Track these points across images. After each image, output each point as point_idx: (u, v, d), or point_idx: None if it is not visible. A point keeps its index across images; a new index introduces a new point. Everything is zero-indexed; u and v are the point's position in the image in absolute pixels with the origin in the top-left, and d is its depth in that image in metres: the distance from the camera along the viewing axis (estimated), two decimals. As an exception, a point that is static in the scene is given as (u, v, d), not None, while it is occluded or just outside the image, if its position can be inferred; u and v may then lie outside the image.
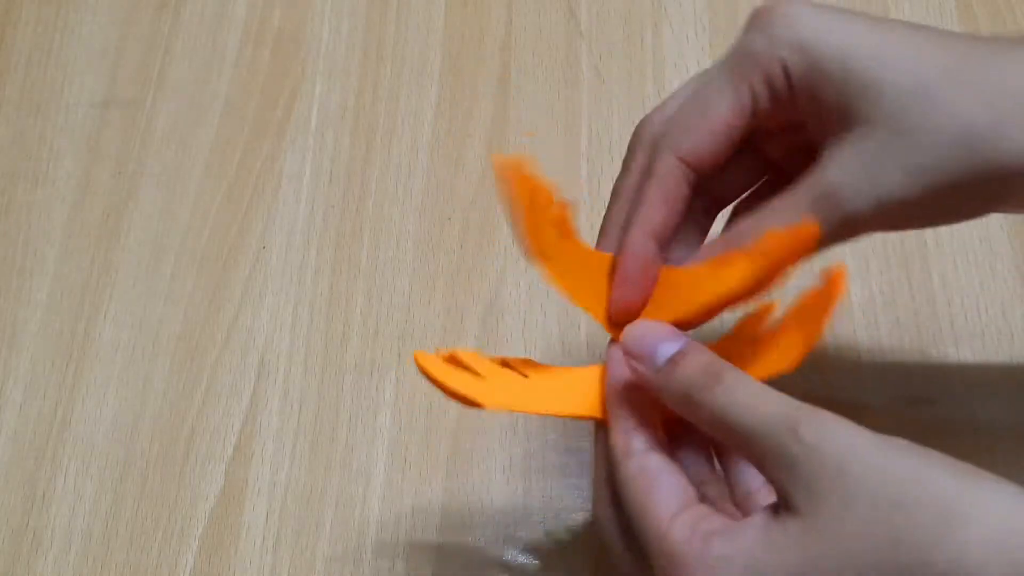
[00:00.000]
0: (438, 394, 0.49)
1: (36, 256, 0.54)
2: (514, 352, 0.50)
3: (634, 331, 0.35)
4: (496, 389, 0.37)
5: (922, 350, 0.49)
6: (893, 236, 0.52)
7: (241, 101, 0.58)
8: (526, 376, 0.38)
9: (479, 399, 0.37)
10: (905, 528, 0.27)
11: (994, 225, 0.52)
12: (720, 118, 0.34)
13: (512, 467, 0.48)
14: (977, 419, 0.47)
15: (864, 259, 0.51)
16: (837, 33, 0.33)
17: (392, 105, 0.57)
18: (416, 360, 0.37)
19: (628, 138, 0.55)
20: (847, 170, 0.33)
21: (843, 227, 0.34)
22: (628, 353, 0.34)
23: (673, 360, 0.33)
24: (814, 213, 0.33)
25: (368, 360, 0.50)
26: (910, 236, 0.52)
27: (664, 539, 0.31)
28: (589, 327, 0.51)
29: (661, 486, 0.32)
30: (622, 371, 0.35)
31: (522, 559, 0.46)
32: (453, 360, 0.37)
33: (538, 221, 0.36)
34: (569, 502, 0.47)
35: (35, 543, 0.47)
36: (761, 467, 0.30)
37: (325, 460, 0.48)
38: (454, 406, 0.49)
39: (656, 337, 0.34)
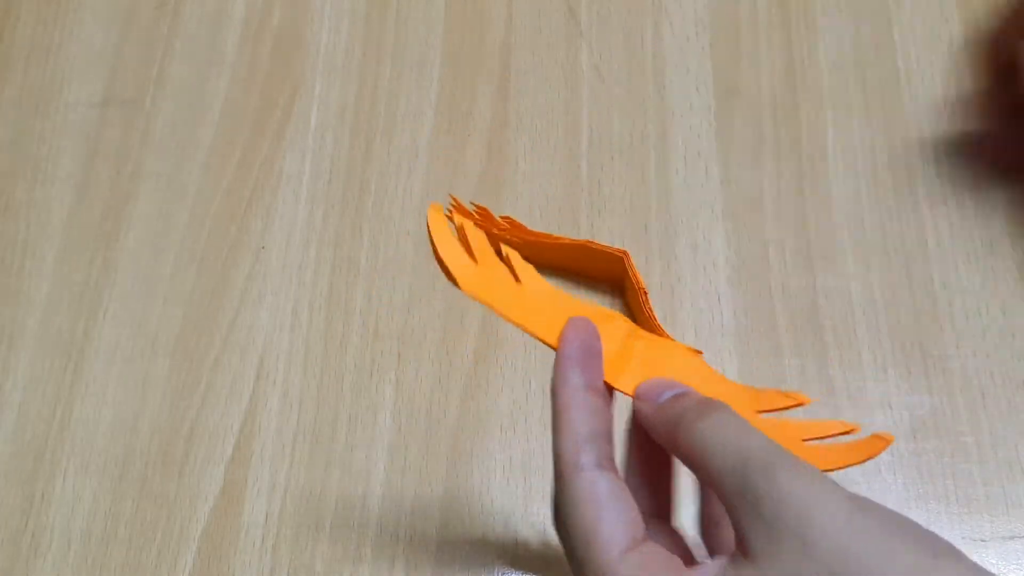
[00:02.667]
0: (437, 394, 0.50)
1: (35, 256, 0.54)
2: (514, 353, 0.50)
3: (648, 382, 0.34)
4: (481, 278, 0.37)
5: (922, 350, 0.49)
6: (893, 236, 0.52)
7: (240, 101, 0.58)
8: (518, 281, 0.37)
9: (459, 280, 0.36)
10: None
11: (995, 225, 0.52)
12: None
13: (512, 467, 0.47)
14: (977, 418, 0.47)
15: (865, 259, 0.51)
16: None
17: (392, 105, 0.57)
18: (428, 214, 0.37)
19: (628, 138, 0.55)
20: None
21: None
22: (636, 396, 0.34)
23: (675, 397, 0.33)
24: None
25: (368, 360, 0.50)
26: (910, 236, 0.52)
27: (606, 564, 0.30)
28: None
29: (610, 515, 0.31)
30: (579, 345, 0.34)
31: (522, 559, 0.46)
32: (461, 231, 0.37)
33: (452, 252, 0.37)
34: (569, 502, 0.47)
35: (34, 543, 0.47)
36: (728, 505, 0.29)
37: (325, 460, 0.48)
38: (454, 406, 0.49)
39: (665, 385, 0.34)
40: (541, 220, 0.53)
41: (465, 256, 0.37)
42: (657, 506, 0.35)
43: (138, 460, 0.49)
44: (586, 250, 0.50)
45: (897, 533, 0.27)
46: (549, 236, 0.50)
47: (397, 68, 0.58)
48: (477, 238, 0.38)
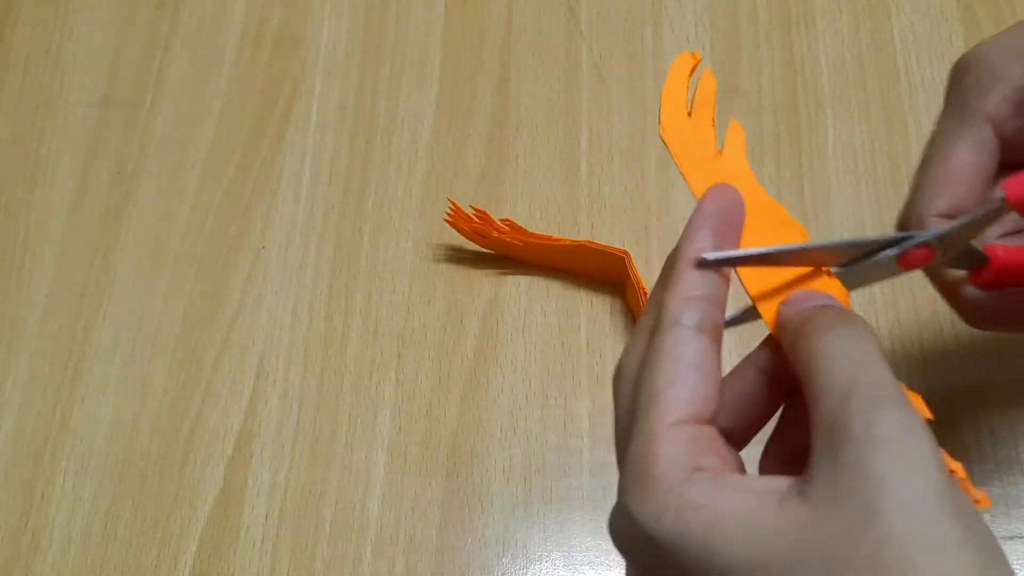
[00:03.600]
0: (437, 394, 0.50)
1: (35, 256, 0.54)
2: (514, 353, 0.50)
3: (802, 292, 0.31)
4: (684, 132, 0.35)
5: (922, 350, 0.49)
6: (893, 236, 0.52)
7: (240, 101, 0.58)
8: (718, 153, 0.35)
9: (663, 124, 0.36)
10: None
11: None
12: (962, 160, 0.35)
13: (512, 467, 0.47)
14: (978, 419, 0.47)
15: (864, 259, 0.51)
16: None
17: (392, 105, 0.57)
18: (677, 59, 0.36)
19: (628, 138, 0.55)
20: None
21: None
22: (784, 302, 0.31)
23: (819, 306, 0.30)
24: None
25: (368, 360, 0.50)
26: (910, 236, 0.52)
27: (650, 442, 0.27)
28: (589, 327, 0.51)
29: (686, 382, 0.28)
30: (718, 211, 0.31)
31: (522, 559, 0.46)
32: (697, 87, 0.36)
33: (675, 99, 0.35)
34: (569, 502, 0.47)
35: (34, 543, 0.47)
36: (816, 431, 0.26)
37: (325, 460, 0.48)
38: (454, 406, 0.49)
39: (817, 296, 0.31)
40: (541, 220, 0.53)
41: (683, 107, 0.35)
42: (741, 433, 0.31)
43: (138, 460, 0.49)
44: (587, 250, 0.50)
45: (964, 555, 0.23)
46: (549, 238, 0.50)
47: (397, 68, 0.58)
48: (706, 99, 0.35)
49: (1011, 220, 0.36)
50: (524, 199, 0.54)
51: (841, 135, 0.54)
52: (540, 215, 0.54)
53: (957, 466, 0.28)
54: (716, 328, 0.29)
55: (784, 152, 0.54)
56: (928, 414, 0.28)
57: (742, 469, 0.30)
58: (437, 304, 0.52)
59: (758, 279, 0.31)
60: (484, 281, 0.52)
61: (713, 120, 0.35)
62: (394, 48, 0.59)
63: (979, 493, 0.27)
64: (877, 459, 0.24)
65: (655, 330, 0.29)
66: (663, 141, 0.34)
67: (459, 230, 0.51)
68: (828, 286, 0.31)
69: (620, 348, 0.50)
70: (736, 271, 0.31)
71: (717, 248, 0.30)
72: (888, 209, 0.52)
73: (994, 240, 0.36)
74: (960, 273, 0.35)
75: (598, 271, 0.51)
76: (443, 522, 0.47)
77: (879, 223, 0.52)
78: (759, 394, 0.30)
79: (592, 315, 0.51)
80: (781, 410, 0.32)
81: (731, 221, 0.32)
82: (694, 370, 0.28)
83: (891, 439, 0.24)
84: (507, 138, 0.56)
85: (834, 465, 0.25)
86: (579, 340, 0.50)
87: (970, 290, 0.35)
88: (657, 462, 0.27)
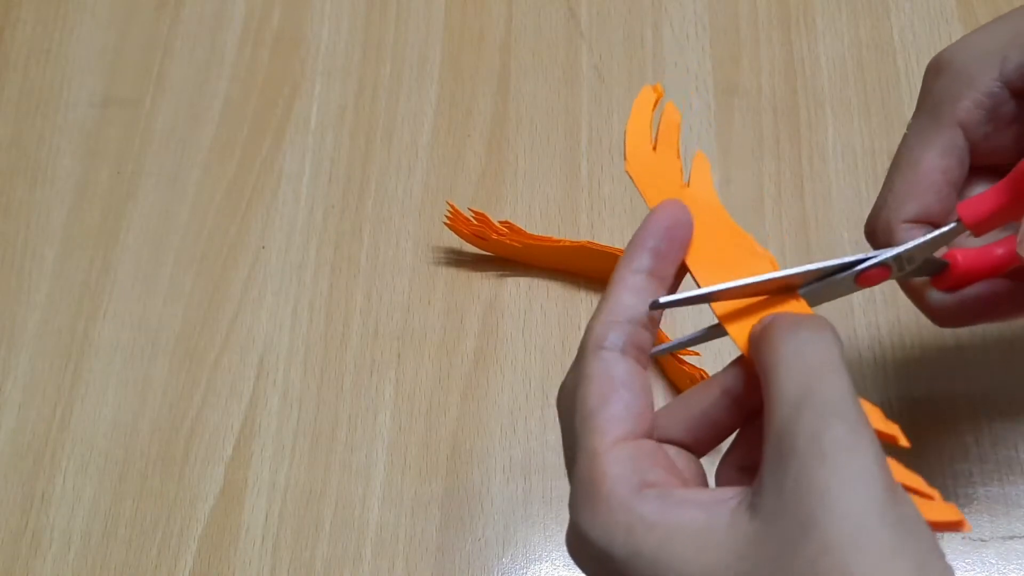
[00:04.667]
0: (437, 394, 0.50)
1: (35, 256, 0.54)
2: (514, 353, 0.50)
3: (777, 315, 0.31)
4: (650, 165, 0.35)
5: (922, 349, 0.49)
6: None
7: (240, 101, 0.58)
8: (686, 185, 0.34)
9: (628, 158, 0.35)
10: None
11: (994, 225, 0.52)
12: (930, 165, 0.35)
13: (512, 467, 0.47)
14: (978, 418, 0.47)
15: (864, 259, 0.51)
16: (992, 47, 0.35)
17: (392, 105, 0.57)
18: (641, 91, 0.36)
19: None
20: None
21: None
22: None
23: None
24: None
25: (368, 360, 0.50)
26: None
27: (595, 461, 0.27)
28: (589, 327, 0.51)
29: (618, 401, 0.28)
30: (662, 228, 0.31)
31: (522, 559, 0.46)
32: (662, 117, 0.36)
33: (639, 133, 0.35)
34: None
35: (34, 544, 0.47)
36: (767, 438, 0.26)
37: (325, 460, 0.48)
38: (454, 406, 0.49)
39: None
40: (541, 220, 0.53)
41: (648, 141, 0.35)
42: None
43: (138, 460, 0.49)
44: (586, 251, 0.50)
45: (907, 554, 0.24)
46: (549, 239, 0.50)
47: (397, 68, 0.58)
48: (668, 127, 0.35)
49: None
50: (524, 199, 0.54)
51: (841, 135, 0.54)
52: (540, 215, 0.54)
53: (916, 481, 0.28)
54: (641, 350, 0.30)
55: (784, 152, 0.54)
56: (888, 428, 0.28)
57: (697, 476, 0.31)
58: (437, 304, 0.52)
59: (726, 305, 0.32)
60: (484, 281, 0.52)
61: (678, 152, 0.35)
62: (394, 48, 0.59)
63: (952, 513, 0.27)
64: (819, 472, 0.24)
65: (579, 354, 0.30)
66: (628, 175, 0.34)
67: (458, 233, 0.51)
68: (796, 308, 0.32)
69: (620, 348, 0.50)
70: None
71: (655, 268, 0.31)
72: (888, 209, 0.52)
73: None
74: (923, 279, 0.36)
75: (598, 271, 0.51)
76: (443, 522, 0.47)
77: (879, 223, 0.52)
78: (721, 414, 0.31)
79: (592, 314, 0.51)
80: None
81: (675, 237, 0.31)
82: (623, 389, 0.29)
83: (835, 453, 0.25)
84: (507, 138, 0.56)
85: (780, 478, 0.25)
86: (579, 340, 0.50)
87: (934, 294, 0.36)
88: (604, 481, 0.27)
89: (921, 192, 0.36)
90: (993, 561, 0.44)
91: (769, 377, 0.27)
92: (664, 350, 0.34)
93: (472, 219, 0.51)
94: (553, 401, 0.48)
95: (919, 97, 0.37)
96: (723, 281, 0.31)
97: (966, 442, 0.47)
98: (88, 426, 0.50)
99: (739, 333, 0.31)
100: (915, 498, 0.26)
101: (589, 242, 0.50)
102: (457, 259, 0.53)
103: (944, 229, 0.34)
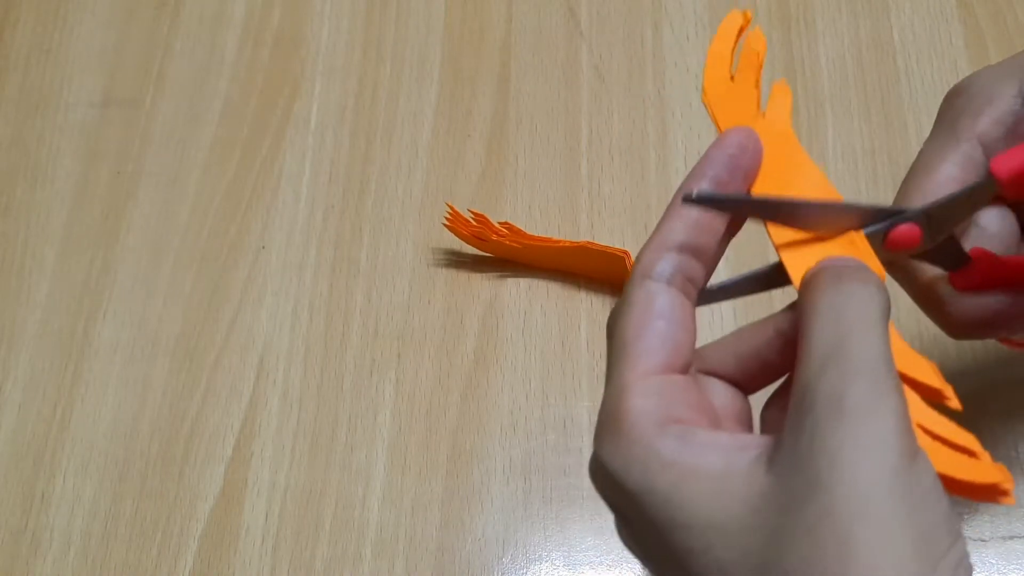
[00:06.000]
0: (437, 394, 0.50)
1: (36, 256, 0.54)
2: (514, 353, 0.50)
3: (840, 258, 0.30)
4: (726, 95, 0.33)
5: (922, 349, 0.49)
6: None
7: (240, 101, 0.58)
8: (761, 114, 0.33)
9: (705, 86, 0.33)
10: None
11: (994, 225, 0.52)
12: (945, 174, 0.34)
13: (512, 467, 0.47)
14: (978, 418, 0.47)
15: (864, 259, 0.51)
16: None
17: (392, 105, 0.57)
18: (726, 18, 0.34)
19: (628, 138, 0.55)
20: None
21: None
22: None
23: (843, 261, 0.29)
24: None
25: (368, 360, 0.50)
26: (910, 236, 0.52)
27: (622, 393, 0.27)
28: (589, 327, 0.51)
29: (654, 332, 0.28)
30: (727, 155, 0.29)
31: (522, 559, 0.46)
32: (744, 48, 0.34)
33: (719, 61, 0.33)
34: (569, 502, 0.47)
35: (34, 544, 0.47)
36: (793, 390, 0.26)
37: (325, 460, 0.48)
38: (454, 406, 0.49)
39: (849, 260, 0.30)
40: (541, 220, 0.53)
41: (727, 69, 0.33)
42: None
43: (138, 460, 0.49)
44: (586, 251, 0.50)
45: (904, 529, 0.23)
46: (548, 239, 0.50)
47: (397, 68, 0.58)
48: (751, 61, 0.33)
49: (994, 244, 0.35)
50: (524, 199, 0.54)
51: (841, 135, 0.54)
52: (540, 215, 0.54)
53: (966, 438, 0.27)
54: (691, 281, 0.29)
55: (784, 152, 0.54)
56: (939, 384, 0.28)
57: (740, 414, 0.30)
58: (437, 304, 0.52)
59: (785, 234, 0.30)
60: (484, 281, 0.52)
61: (758, 82, 0.33)
62: (394, 48, 0.59)
63: (994, 474, 0.27)
64: (834, 433, 0.24)
65: (629, 282, 0.29)
66: (705, 104, 0.33)
67: (458, 234, 0.51)
68: (857, 252, 0.30)
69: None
70: (766, 225, 0.30)
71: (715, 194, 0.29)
72: (888, 209, 0.52)
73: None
74: (938, 271, 0.35)
75: (598, 271, 0.51)
76: (443, 522, 0.47)
77: (879, 223, 0.52)
78: (773, 355, 0.30)
79: (592, 315, 0.51)
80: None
81: (739, 166, 0.30)
82: (662, 320, 0.28)
83: (853, 414, 0.24)
84: (507, 138, 0.56)
85: (797, 434, 0.25)
86: (579, 340, 0.50)
87: (953, 298, 0.35)
88: (628, 414, 0.27)
89: (936, 198, 0.34)
90: (993, 561, 0.44)
91: (804, 327, 0.27)
92: (719, 288, 0.32)
93: (471, 220, 0.51)
94: (553, 401, 0.49)
95: (935, 122, 0.36)
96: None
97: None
98: (88, 426, 0.50)
99: (796, 271, 0.30)
100: (959, 456, 0.26)
101: (589, 242, 0.50)
102: (457, 259, 0.53)
103: (974, 184, 0.32)
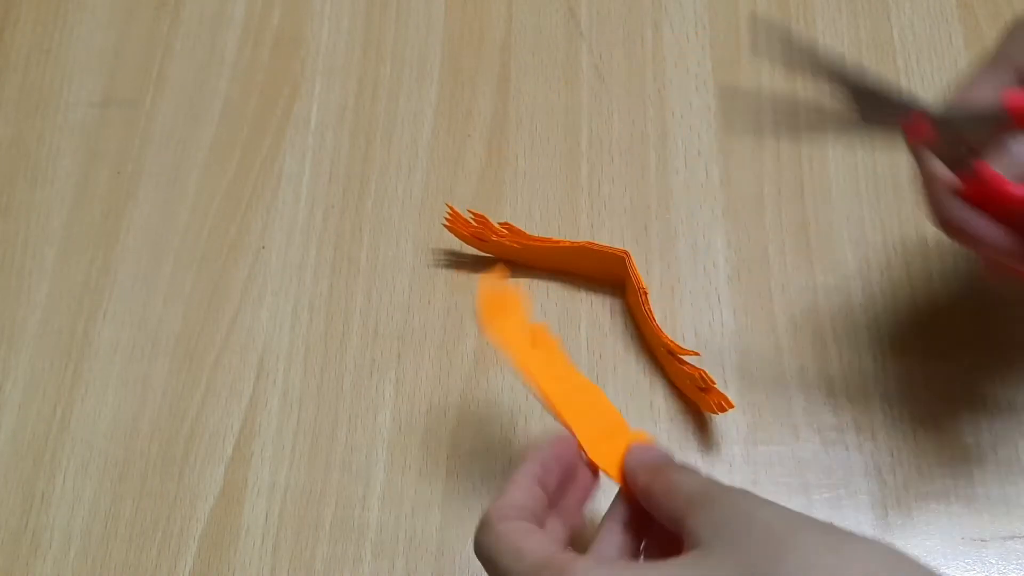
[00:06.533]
0: (437, 394, 0.50)
1: (36, 256, 0.54)
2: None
3: (637, 448, 0.39)
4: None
5: (923, 351, 0.49)
6: (894, 235, 0.52)
7: (240, 101, 0.58)
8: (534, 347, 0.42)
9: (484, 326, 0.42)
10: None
11: (994, 225, 0.52)
12: (981, 93, 0.38)
13: (512, 467, 0.47)
14: (978, 418, 0.47)
15: (865, 258, 0.51)
16: None
17: (392, 105, 0.57)
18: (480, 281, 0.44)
19: (628, 138, 0.55)
20: None
21: None
22: (631, 452, 0.39)
23: (660, 455, 0.39)
24: None
25: (368, 360, 0.50)
26: (911, 235, 0.52)
27: (545, 567, 0.33)
28: (589, 327, 0.51)
29: (530, 540, 0.35)
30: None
31: (522, 559, 0.46)
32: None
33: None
34: (569, 502, 0.47)
35: (34, 543, 0.47)
36: (678, 518, 0.34)
37: (325, 460, 0.48)
38: (454, 406, 0.49)
39: (648, 448, 0.39)
40: (541, 220, 0.53)
41: (499, 310, 0.42)
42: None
43: (138, 460, 0.49)
44: (586, 251, 0.50)
45: (820, 526, 0.32)
46: (548, 240, 0.50)
47: (397, 68, 0.58)
48: (514, 298, 0.43)
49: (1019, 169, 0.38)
50: (524, 199, 0.54)
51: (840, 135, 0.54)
52: (540, 215, 0.54)
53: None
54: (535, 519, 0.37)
55: (784, 152, 0.54)
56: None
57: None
58: (437, 304, 0.52)
59: (596, 447, 0.39)
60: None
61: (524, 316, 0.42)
62: (394, 48, 0.59)
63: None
64: (741, 507, 0.33)
65: (480, 529, 0.36)
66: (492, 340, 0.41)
67: (458, 235, 0.51)
68: (633, 435, 0.40)
69: (620, 348, 0.50)
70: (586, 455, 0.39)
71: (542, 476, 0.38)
72: (888, 209, 0.52)
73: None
74: (948, 174, 0.38)
75: (598, 271, 0.51)
76: (443, 522, 0.47)
77: (879, 223, 0.52)
78: (624, 539, 0.37)
79: (592, 315, 0.51)
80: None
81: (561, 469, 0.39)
82: (537, 533, 0.36)
83: (747, 497, 0.34)
84: (507, 138, 0.56)
85: (705, 520, 0.33)
86: (579, 340, 0.50)
87: (943, 190, 0.38)
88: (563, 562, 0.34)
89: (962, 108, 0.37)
90: (993, 561, 0.44)
91: (671, 493, 0.35)
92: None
93: (471, 221, 0.51)
94: (553, 401, 0.49)
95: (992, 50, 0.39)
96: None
97: (966, 442, 0.47)
98: (88, 426, 0.50)
99: (612, 468, 0.39)
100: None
101: (589, 242, 0.50)
102: (457, 259, 0.53)
103: (989, 106, 0.36)
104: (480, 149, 0.56)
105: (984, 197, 0.37)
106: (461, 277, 0.52)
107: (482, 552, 0.36)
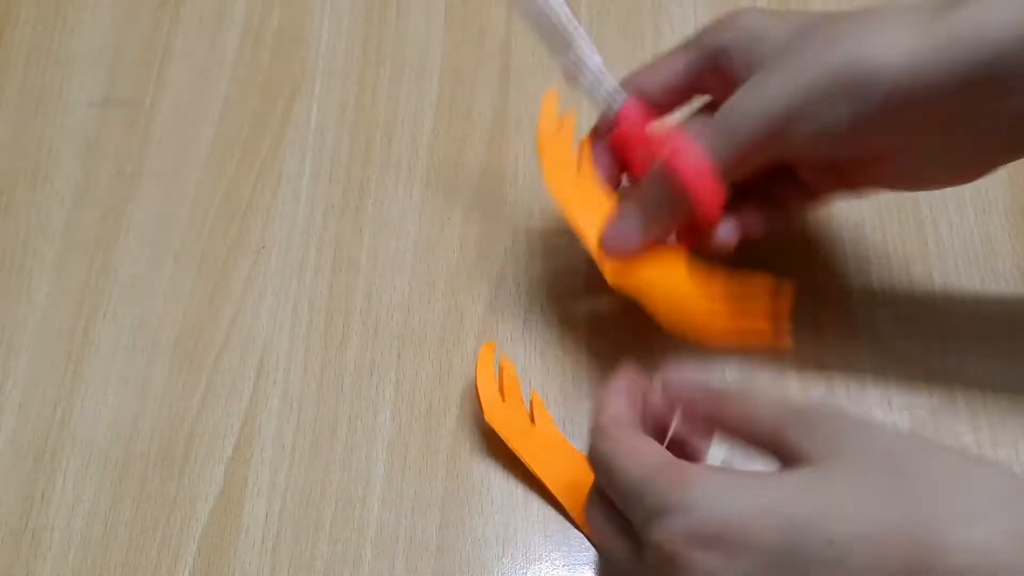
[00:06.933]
0: (437, 394, 0.50)
1: (36, 256, 0.54)
2: (514, 353, 0.50)
3: (678, 377, 0.40)
4: (503, 413, 0.46)
5: (922, 350, 0.49)
6: (894, 236, 0.52)
7: (240, 101, 0.58)
8: (532, 423, 0.47)
9: (485, 410, 0.46)
10: (923, 501, 0.30)
11: (995, 224, 0.52)
12: (668, 64, 0.45)
13: (512, 467, 0.47)
14: (978, 418, 0.47)
15: (865, 258, 0.51)
16: (763, 21, 0.41)
17: (392, 105, 0.57)
18: (480, 352, 0.47)
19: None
20: (737, 96, 0.40)
21: (739, 146, 0.40)
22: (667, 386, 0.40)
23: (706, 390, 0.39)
24: (713, 135, 0.41)
25: (368, 360, 0.50)
26: (911, 236, 0.52)
27: (663, 470, 0.34)
28: (589, 328, 0.51)
29: (647, 445, 0.36)
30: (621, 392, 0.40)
31: (522, 559, 0.46)
32: (501, 371, 0.48)
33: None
34: (569, 502, 0.47)
35: (34, 544, 0.47)
36: (776, 440, 0.34)
37: (325, 460, 0.48)
38: (454, 406, 0.49)
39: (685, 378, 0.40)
40: (541, 220, 0.53)
41: (496, 392, 0.46)
42: None
43: (138, 460, 0.49)
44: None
45: (939, 447, 0.32)
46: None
47: (397, 68, 0.58)
48: (510, 379, 0.47)
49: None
50: (524, 199, 0.54)
51: (841, 135, 0.54)
52: (540, 215, 0.54)
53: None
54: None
55: (784, 152, 0.54)
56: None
57: None
58: (437, 304, 0.52)
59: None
60: (484, 281, 0.52)
61: (522, 399, 0.47)
62: (394, 48, 0.59)
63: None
64: (848, 425, 0.34)
65: (593, 444, 0.39)
66: (490, 423, 0.46)
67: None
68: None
69: (620, 348, 0.50)
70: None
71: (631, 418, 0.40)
72: (887, 209, 0.52)
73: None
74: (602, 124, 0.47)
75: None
76: (443, 522, 0.47)
77: (879, 223, 0.52)
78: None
79: (592, 315, 0.51)
80: None
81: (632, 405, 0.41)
82: (649, 442, 0.37)
83: (848, 417, 0.34)
84: (507, 138, 0.56)
85: (820, 438, 0.33)
86: (579, 340, 0.50)
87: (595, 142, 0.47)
88: (679, 473, 0.34)
89: (661, 70, 0.45)
90: (993, 561, 0.44)
91: (748, 418, 0.36)
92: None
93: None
94: (554, 401, 0.49)
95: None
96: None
97: (966, 442, 0.47)
98: (88, 426, 0.50)
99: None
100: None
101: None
102: (457, 259, 0.53)
103: (609, 103, 0.46)
104: (480, 149, 0.56)
105: (625, 134, 0.45)
106: (461, 277, 0.52)
107: (599, 458, 0.37)
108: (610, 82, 0.45)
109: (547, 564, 0.46)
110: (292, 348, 0.51)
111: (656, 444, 0.36)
